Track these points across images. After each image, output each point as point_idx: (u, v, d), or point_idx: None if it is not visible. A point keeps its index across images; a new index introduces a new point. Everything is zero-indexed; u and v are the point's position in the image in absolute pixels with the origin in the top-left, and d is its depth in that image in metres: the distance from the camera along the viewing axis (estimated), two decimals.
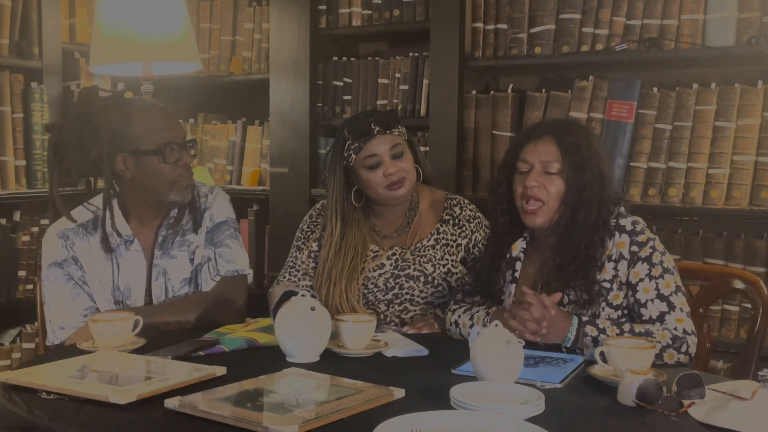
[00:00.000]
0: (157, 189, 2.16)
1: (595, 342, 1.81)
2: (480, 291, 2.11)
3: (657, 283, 1.89)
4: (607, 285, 1.92)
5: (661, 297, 1.88)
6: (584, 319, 1.86)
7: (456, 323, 2.07)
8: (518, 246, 2.05)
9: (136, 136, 2.12)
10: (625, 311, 1.94)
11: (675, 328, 1.85)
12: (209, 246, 2.25)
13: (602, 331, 1.82)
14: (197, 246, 2.24)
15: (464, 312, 2.07)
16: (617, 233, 1.94)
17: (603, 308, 1.92)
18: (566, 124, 2.14)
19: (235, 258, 2.27)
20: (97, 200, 2.23)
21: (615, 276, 1.93)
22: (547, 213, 1.97)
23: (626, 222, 1.95)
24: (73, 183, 2.22)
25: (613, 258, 1.93)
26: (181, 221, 2.24)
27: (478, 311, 2.04)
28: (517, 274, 2.04)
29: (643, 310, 1.89)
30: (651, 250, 1.91)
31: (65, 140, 2.17)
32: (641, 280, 1.90)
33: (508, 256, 2.06)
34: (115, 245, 2.19)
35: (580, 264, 1.92)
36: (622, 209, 2.00)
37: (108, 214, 2.16)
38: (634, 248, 1.92)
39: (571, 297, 1.93)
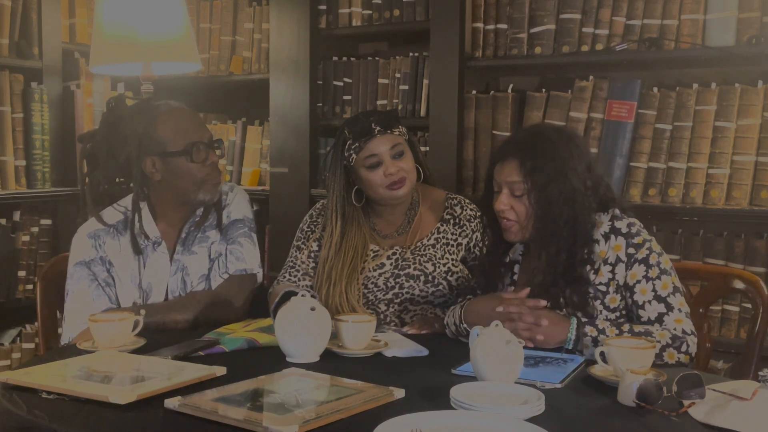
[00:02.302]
0: (186, 189, 2.21)
1: (595, 342, 1.80)
2: (479, 292, 2.11)
3: (654, 285, 1.89)
4: (603, 288, 1.92)
5: (658, 298, 1.88)
6: (583, 319, 1.86)
7: (447, 324, 2.07)
8: (516, 249, 2.05)
9: (163, 138, 2.18)
10: (623, 312, 1.93)
11: (674, 329, 1.85)
12: (222, 242, 2.27)
13: (602, 331, 1.82)
14: (213, 242, 2.27)
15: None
16: (613, 236, 1.93)
17: (600, 311, 1.92)
18: (530, 139, 1.99)
19: (245, 256, 2.28)
20: (126, 201, 2.27)
21: (611, 279, 1.92)
22: (521, 230, 1.95)
23: (622, 224, 1.94)
24: (107, 192, 2.29)
25: (610, 261, 1.92)
26: (206, 219, 2.28)
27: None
28: (515, 278, 2.04)
29: (641, 312, 1.89)
30: (648, 252, 1.90)
31: (96, 150, 2.24)
32: (638, 281, 1.89)
33: (506, 259, 2.06)
34: (144, 246, 2.23)
35: (568, 281, 1.90)
36: (617, 211, 1.97)
37: (137, 217, 2.21)
38: (631, 250, 1.91)
39: (567, 301, 1.92)
